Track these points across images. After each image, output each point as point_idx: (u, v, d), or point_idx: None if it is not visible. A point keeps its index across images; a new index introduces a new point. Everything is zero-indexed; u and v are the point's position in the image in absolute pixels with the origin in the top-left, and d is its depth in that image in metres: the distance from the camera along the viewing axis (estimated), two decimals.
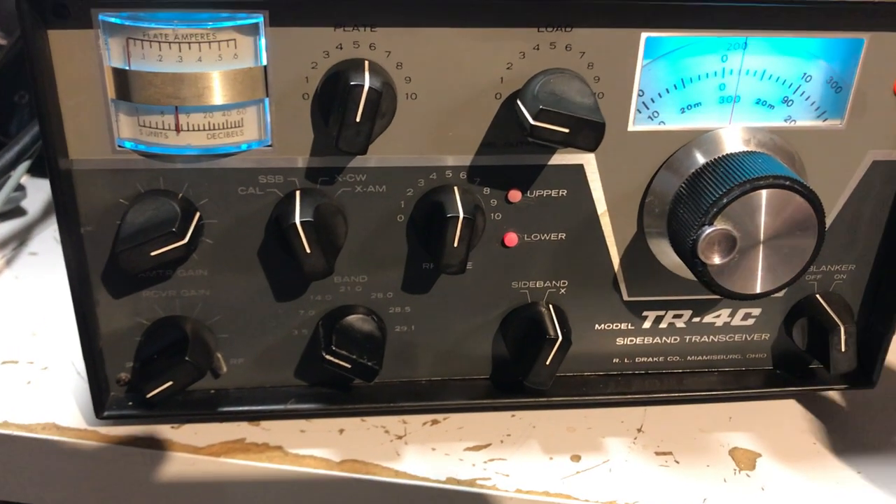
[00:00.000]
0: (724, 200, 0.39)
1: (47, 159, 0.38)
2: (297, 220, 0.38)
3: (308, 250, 0.39)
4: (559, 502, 0.43)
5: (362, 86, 0.36)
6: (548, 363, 0.43)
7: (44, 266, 0.60)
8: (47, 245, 0.63)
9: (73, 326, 0.53)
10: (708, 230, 0.39)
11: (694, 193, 0.40)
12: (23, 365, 0.50)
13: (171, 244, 0.38)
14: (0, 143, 0.65)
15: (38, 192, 0.69)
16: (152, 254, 0.38)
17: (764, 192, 0.39)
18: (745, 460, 0.46)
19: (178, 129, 0.38)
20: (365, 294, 0.44)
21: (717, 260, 0.39)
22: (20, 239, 0.64)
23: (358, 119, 0.36)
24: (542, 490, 0.43)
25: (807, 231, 0.40)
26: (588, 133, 0.36)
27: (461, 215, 0.39)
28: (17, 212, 0.67)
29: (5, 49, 0.71)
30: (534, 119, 0.36)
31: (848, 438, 0.48)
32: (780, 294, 0.47)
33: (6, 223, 0.65)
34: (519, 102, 0.38)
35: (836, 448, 0.47)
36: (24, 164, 0.60)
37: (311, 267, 0.39)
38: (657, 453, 0.46)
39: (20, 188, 0.66)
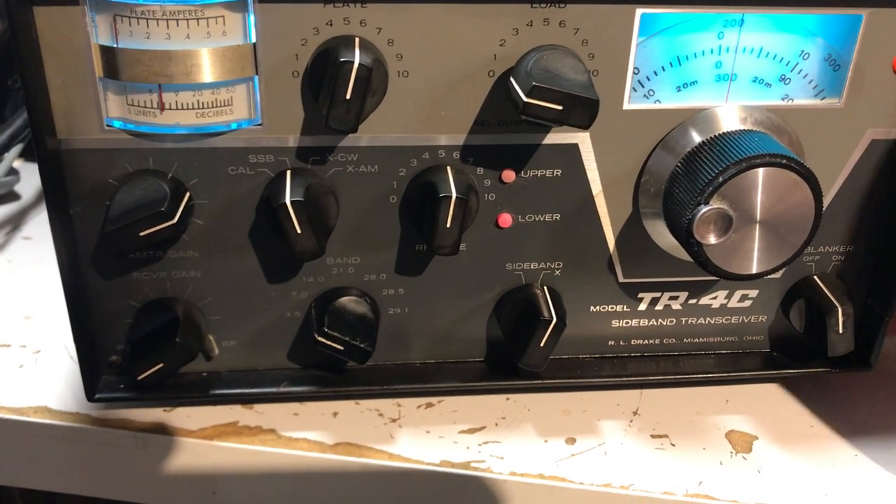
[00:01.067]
0: (720, 179, 0.38)
1: (34, 139, 0.37)
2: (288, 200, 0.38)
3: (299, 231, 0.38)
4: (554, 485, 0.43)
5: (352, 62, 0.35)
6: (542, 345, 0.43)
7: (37, 250, 0.60)
8: (41, 229, 0.63)
9: (66, 310, 0.53)
10: (703, 209, 0.38)
11: (690, 172, 0.40)
12: (15, 349, 0.50)
13: (160, 224, 0.37)
14: None
15: (32, 177, 0.69)
16: (141, 234, 0.37)
17: (760, 171, 0.38)
18: (741, 443, 0.46)
19: (165, 107, 0.38)
20: (358, 276, 0.43)
21: (712, 240, 0.39)
22: (14, 223, 0.63)
23: (348, 96, 0.36)
24: (537, 473, 0.43)
25: (804, 211, 0.39)
26: (582, 110, 0.36)
27: (454, 195, 0.39)
28: (11, 196, 0.66)
29: None
30: (527, 96, 0.35)
31: (845, 421, 0.47)
32: (778, 275, 0.46)
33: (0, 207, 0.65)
34: (512, 80, 0.37)
35: (834, 430, 0.47)
36: (17, 148, 0.60)
37: (301, 247, 0.39)
38: (653, 436, 0.46)
39: (14, 172, 0.65)
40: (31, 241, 0.61)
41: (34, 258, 0.59)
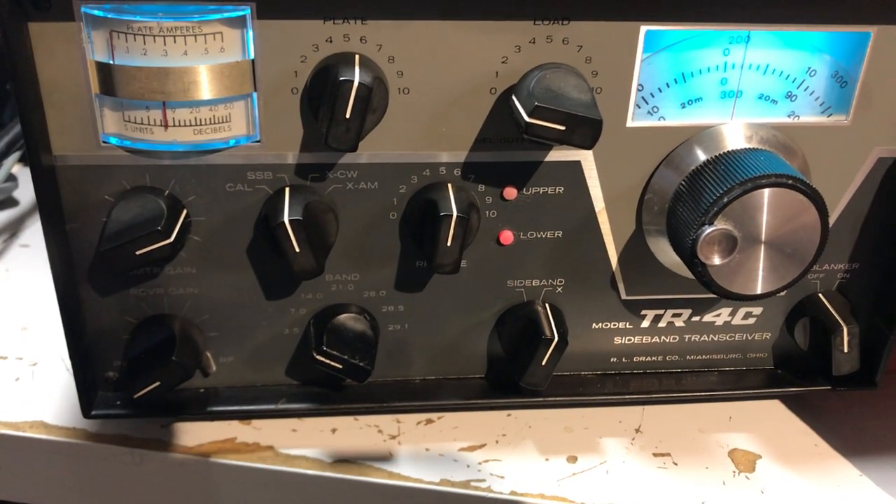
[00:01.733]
0: (725, 199, 0.38)
1: (29, 155, 0.37)
2: (286, 219, 0.37)
3: (297, 249, 0.38)
4: None
5: (352, 81, 0.35)
6: (543, 364, 0.42)
7: (35, 259, 0.59)
8: (39, 237, 0.61)
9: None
10: (708, 230, 0.38)
11: (694, 191, 0.39)
12: (11, 361, 0.49)
13: (156, 243, 0.37)
14: None
15: (30, 183, 0.68)
16: (137, 253, 0.37)
17: (766, 192, 0.38)
18: (744, 462, 0.45)
19: (164, 124, 0.37)
20: (357, 292, 0.43)
21: (716, 260, 0.38)
22: (12, 230, 0.63)
23: (347, 115, 0.35)
24: (538, 492, 0.43)
25: (809, 231, 0.39)
26: (584, 131, 0.35)
27: (455, 214, 0.38)
28: (9, 202, 0.66)
29: None
30: (529, 116, 0.35)
31: (849, 440, 0.47)
32: (782, 293, 0.46)
33: None
34: (514, 98, 0.36)
35: (838, 449, 0.46)
36: (15, 155, 0.59)
37: (300, 266, 0.38)
38: (655, 454, 0.45)
39: (12, 178, 0.65)
40: (28, 248, 0.61)
41: (32, 266, 0.58)
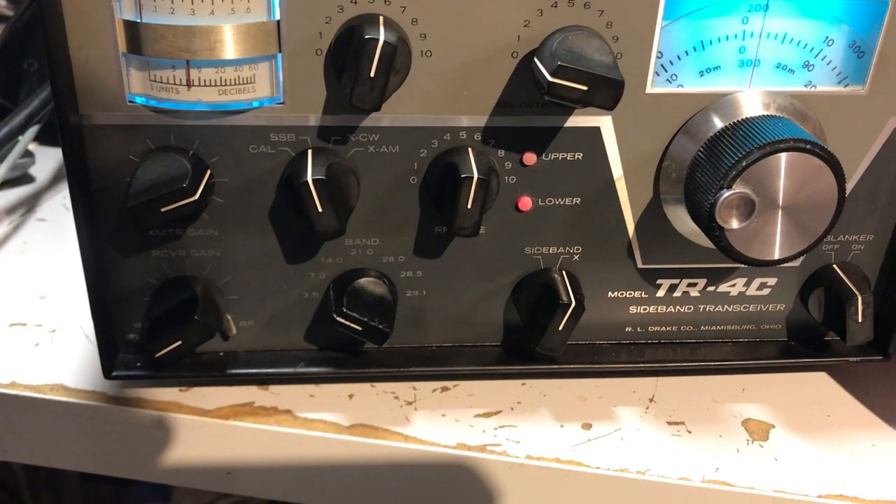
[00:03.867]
0: (744, 163, 0.38)
1: (57, 114, 0.37)
2: (310, 179, 0.38)
3: (320, 209, 0.38)
4: (570, 469, 0.43)
5: (377, 40, 0.35)
6: (560, 328, 0.42)
7: (52, 232, 0.60)
8: (56, 212, 0.63)
9: (81, 291, 0.53)
10: (726, 193, 0.38)
11: (712, 157, 0.40)
12: (31, 328, 0.50)
13: (181, 200, 0.37)
14: (9, 112, 0.64)
15: (46, 160, 0.69)
16: (163, 210, 0.37)
17: (784, 156, 0.38)
18: (758, 431, 0.45)
19: (189, 84, 0.37)
20: (376, 257, 0.43)
21: (734, 224, 0.39)
22: (28, 205, 0.63)
23: (372, 74, 0.35)
24: (553, 457, 0.43)
25: (827, 197, 0.39)
26: (607, 91, 0.36)
27: (475, 176, 0.38)
28: (26, 179, 0.66)
29: (13, 18, 0.70)
30: (552, 76, 0.35)
31: (862, 411, 0.47)
32: (797, 264, 0.46)
33: (14, 189, 0.65)
34: (536, 60, 0.37)
35: (851, 420, 0.47)
36: (33, 129, 0.60)
37: (322, 227, 0.39)
38: (669, 423, 0.46)
39: (29, 154, 0.65)
40: (45, 223, 0.61)
41: (48, 240, 0.59)
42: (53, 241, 0.59)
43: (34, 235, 0.59)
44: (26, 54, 0.70)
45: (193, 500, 1.07)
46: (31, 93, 0.69)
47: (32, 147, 0.67)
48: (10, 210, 0.62)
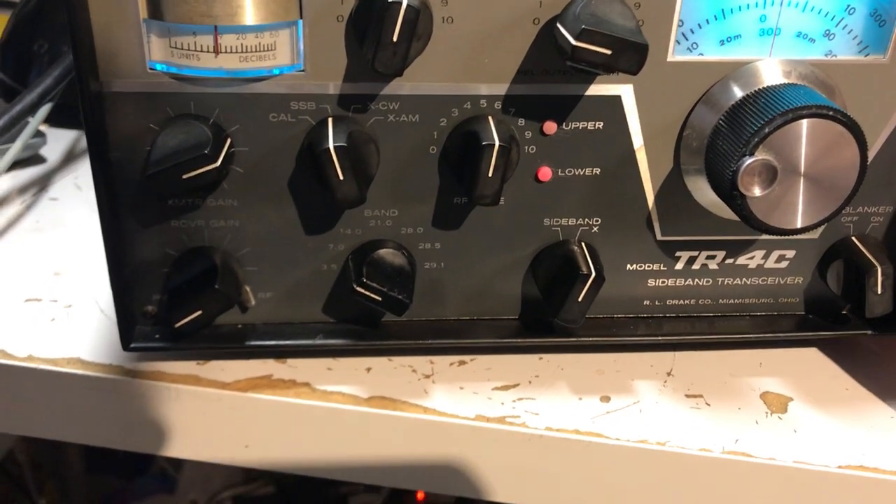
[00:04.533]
0: (766, 130, 0.38)
1: (78, 81, 0.37)
2: (331, 145, 0.38)
3: (341, 177, 0.38)
4: (590, 441, 0.43)
5: (400, 4, 0.35)
6: (580, 299, 0.42)
7: (65, 210, 0.60)
8: (68, 191, 0.62)
9: (96, 267, 0.53)
10: (749, 160, 0.38)
11: (734, 125, 0.39)
12: (46, 303, 0.50)
13: (203, 167, 0.37)
14: (20, 93, 0.64)
15: (58, 142, 0.69)
16: (184, 177, 0.37)
17: (806, 122, 0.38)
18: (776, 404, 0.45)
19: (213, 50, 0.37)
20: (395, 229, 0.43)
21: (757, 192, 0.39)
22: (41, 185, 0.63)
23: (395, 38, 0.35)
24: (573, 428, 0.43)
25: (848, 163, 0.39)
26: (631, 55, 0.36)
27: (497, 143, 0.38)
28: (37, 159, 0.66)
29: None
30: (575, 39, 0.35)
31: (881, 384, 0.47)
32: (815, 236, 0.46)
33: (26, 170, 0.65)
34: (559, 25, 0.37)
35: (870, 393, 0.46)
36: (46, 108, 0.60)
37: (343, 194, 0.39)
38: (688, 395, 0.46)
39: (40, 135, 0.65)
40: (57, 201, 0.61)
41: (61, 218, 0.59)
42: (66, 219, 0.59)
43: (47, 214, 0.59)
44: (36, 36, 0.70)
45: (198, 490, 1.07)
46: (41, 75, 0.69)
47: (43, 128, 0.67)
48: (23, 189, 0.62)
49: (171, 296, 0.41)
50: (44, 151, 0.67)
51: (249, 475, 1.03)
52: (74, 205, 0.61)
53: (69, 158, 0.67)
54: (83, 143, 0.68)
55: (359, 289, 0.41)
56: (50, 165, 0.66)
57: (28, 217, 0.59)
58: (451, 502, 0.92)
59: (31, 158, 0.66)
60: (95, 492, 1.09)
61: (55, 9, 0.70)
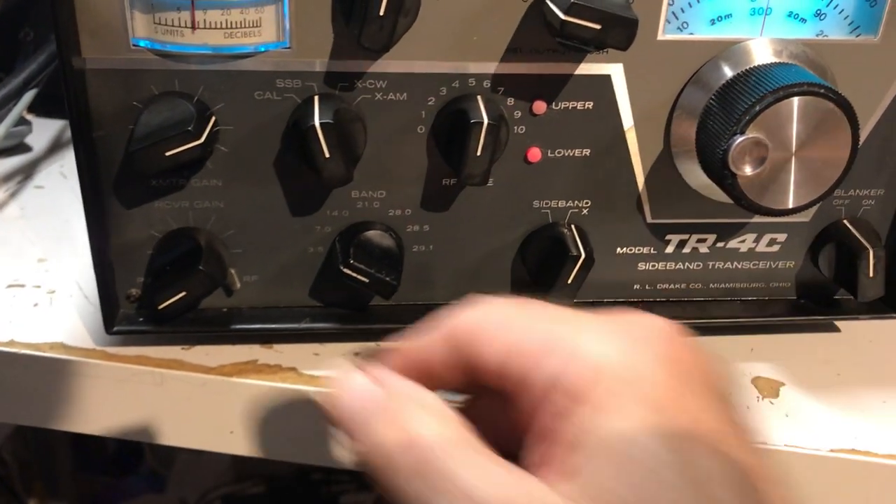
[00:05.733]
0: (757, 108, 0.38)
1: (60, 58, 0.37)
2: (317, 122, 0.37)
3: (327, 154, 0.38)
4: None
5: None
6: (570, 281, 0.42)
7: (50, 199, 0.59)
8: (53, 179, 0.62)
9: (80, 254, 0.52)
10: (739, 139, 0.38)
11: (724, 104, 0.39)
12: (29, 289, 0.49)
13: (186, 144, 0.37)
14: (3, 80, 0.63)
15: (44, 131, 0.68)
16: (167, 154, 0.37)
17: (797, 100, 0.38)
18: (768, 388, 0.45)
19: (194, 26, 0.37)
20: (382, 210, 0.43)
21: (748, 171, 0.38)
22: (26, 173, 0.62)
23: (381, 12, 0.35)
24: None
25: (840, 143, 0.39)
26: (620, 30, 0.35)
27: (486, 121, 0.38)
28: (23, 148, 0.65)
29: None
30: (564, 14, 0.35)
31: (873, 369, 0.47)
32: (807, 219, 0.46)
33: (11, 158, 0.64)
34: (548, 1, 0.36)
35: (861, 378, 0.46)
36: (30, 94, 0.59)
37: (329, 172, 0.38)
38: None
39: (26, 123, 0.65)
40: (43, 189, 0.60)
41: (46, 206, 0.58)
42: (51, 207, 0.58)
43: (32, 202, 0.59)
44: (22, 24, 0.69)
45: (188, 489, 1.06)
46: (24, 61, 0.68)
47: (30, 118, 0.66)
48: (8, 177, 0.61)
49: (155, 277, 0.41)
50: (30, 140, 0.66)
51: (240, 474, 1.03)
52: (60, 193, 0.60)
53: (55, 147, 0.66)
54: (69, 132, 0.68)
55: (346, 270, 0.41)
56: (35, 154, 0.65)
57: (12, 204, 0.58)
58: None
59: (16, 147, 0.65)
60: (84, 491, 1.08)
61: None
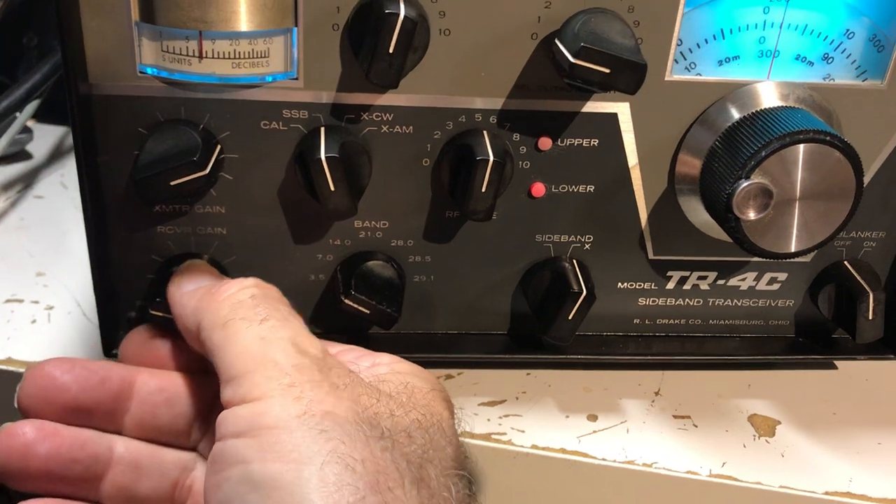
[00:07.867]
0: (763, 153, 0.38)
1: (67, 83, 0.37)
2: (323, 156, 0.37)
3: (332, 188, 0.37)
4: (576, 460, 0.42)
5: (397, 14, 0.34)
6: (570, 318, 0.42)
7: (49, 209, 0.59)
8: (54, 189, 0.62)
9: (79, 268, 0.52)
10: (745, 184, 0.38)
11: (730, 147, 0.39)
12: (27, 304, 0.49)
13: (191, 174, 0.37)
14: (8, 88, 0.63)
15: (45, 138, 0.68)
16: (172, 183, 0.37)
17: (803, 147, 0.38)
18: (764, 427, 0.45)
19: (202, 55, 0.37)
20: (385, 240, 0.43)
21: (752, 215, 0.38)
22: (26, 182, 0.62)
23: (391, 50, 0.35)
24: (559, 447, 0.42)
25: (844, 189, 0.39)
26: (629, 75, 0.35)
27: (491, 158, 0.38)
28: (23, 155, 0.65)
29: None
30: (574, 57, 0.35)
31: (869, 409, 0.47)
32: (807, 259, 0.46)
33: (12, 166, 0.64)
34: (558, 42, 0.36)
35: (857, 418, 0.46)
36: (33, 104, 0.59)
37: (334, 205, 0.38)
38: (675, 416, 0.45)
39: (27, 131, 0.64)
40: (42, 199, 0.60)
41: (46, 216, 0.58)
42: (51, 218, 0.58)
43: (32, 212, 0.58)
44: (25, 29, 0.69)
45: None
46: (31, 69, 0.68)
47: (30, 124, 0.66)
48: (7, 186, 0.61)
49: (155, 301, 0.40)
50: (30, 147, 0.66)
51: None
52: (60, 203, 0.60)
53: (56, 155, 0.66)
54: (70, 140, 0.67)
55: (347, 301, 0.41)
56: (36, 162, 0.65)
57: (12, 214, 0.58)
58: None
59: (17, 154, 0.65)
60: None
61: (46, 1, 0.69)
